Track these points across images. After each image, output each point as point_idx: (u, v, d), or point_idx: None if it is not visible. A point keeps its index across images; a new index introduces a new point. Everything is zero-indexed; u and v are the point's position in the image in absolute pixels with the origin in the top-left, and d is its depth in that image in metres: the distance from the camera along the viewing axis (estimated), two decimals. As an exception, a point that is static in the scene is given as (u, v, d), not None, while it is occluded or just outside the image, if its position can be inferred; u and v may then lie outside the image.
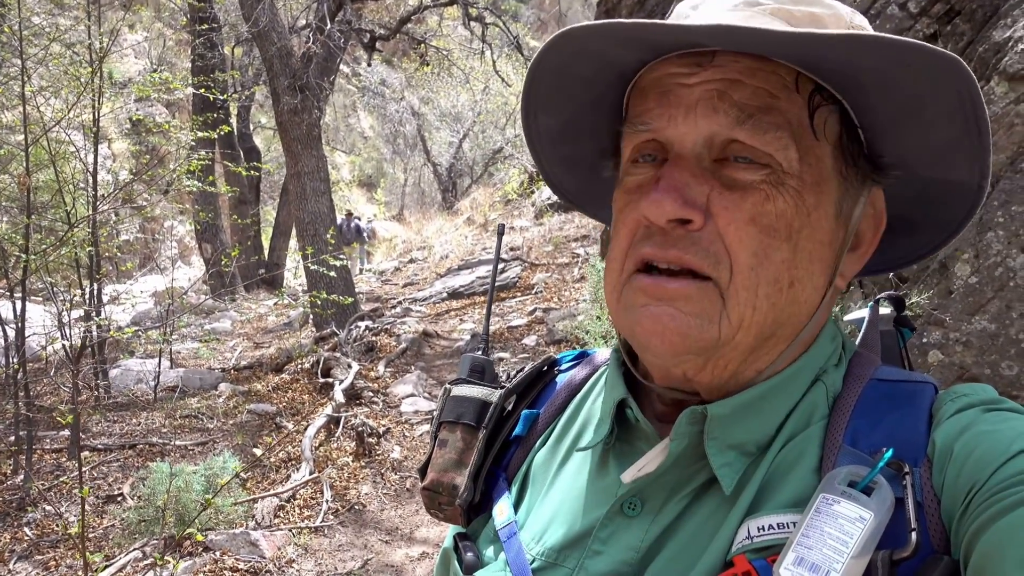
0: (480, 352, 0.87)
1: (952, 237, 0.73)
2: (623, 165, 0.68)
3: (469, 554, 0.73)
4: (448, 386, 0.84)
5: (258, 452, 5.66)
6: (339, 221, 15.70)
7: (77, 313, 6.10)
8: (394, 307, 10.52)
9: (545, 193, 15.09)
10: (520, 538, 0.71)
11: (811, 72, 0.60)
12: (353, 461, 5.60)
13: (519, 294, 10.36)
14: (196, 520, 2.47)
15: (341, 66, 13.23)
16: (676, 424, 0.64)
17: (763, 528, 0.58)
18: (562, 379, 0.85)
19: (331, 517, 4.87)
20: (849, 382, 0.66)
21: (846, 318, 0.83)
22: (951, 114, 0.59)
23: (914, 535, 0.52)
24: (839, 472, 0.57)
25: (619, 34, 0.62)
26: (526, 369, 0.85)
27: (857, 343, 0.75)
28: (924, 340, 4.17)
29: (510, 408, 0.82)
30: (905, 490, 0.55)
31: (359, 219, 18.05)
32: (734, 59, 0.60)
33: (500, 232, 0.96)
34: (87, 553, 1.93)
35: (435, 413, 0.83)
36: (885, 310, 0.82)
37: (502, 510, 0.74)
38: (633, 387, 0.72)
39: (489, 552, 0.73)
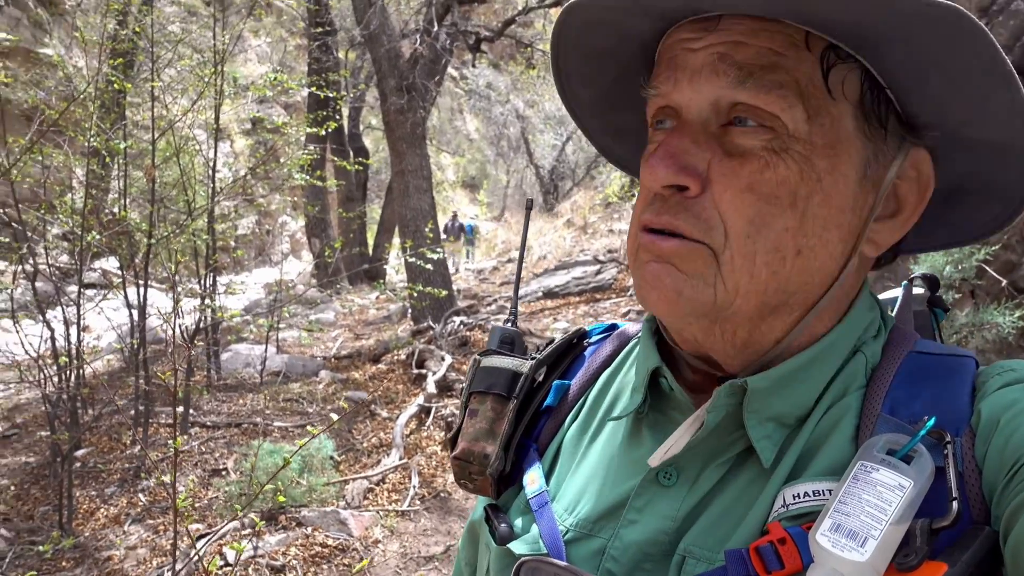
0: (510, 324, 0.87)
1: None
2: (649, 132, 0.68)
3: (503, 525, 0.72)
4: (478, 357, 0.83)
5: (351, 437, 5.88)
6: (446, 222, 16.11)
7: (195, 301, 6.52)
8: (490, 304, 10.67)
9: (646, 196, 14.89)
10: (552, 509, 0.70)
11: (820, 30, 0.58)
12: (441, 450, 5.73)
13: (614, 295, 10.30)
14: (275, 478, 2.60)
15: (449, 69, 13.56)
16: (715, 397, 0.63)
17: (799, 496, 0.57)
18: (592, 351, 0.84)
19: (417, 502, 5.01)
20: (888, 353, 0.65)
21: (879, 297, 0.80)
22: (970, 68, 0.55)
23: (955, 504, 0.51)
24: (878, 440, 0.56)
25: (623, 2, 0.63)
26: (556, 341, 0.85)
27: None
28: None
29: (540, 379, 0.81)
30: (946, 459, 0.54)
31: (471, 219, 18.59)
32: (738, 22, 0.59)
33: (528, 207, 0.96)
34: (178, 500, 2.09)
35: (465, 384, 0.82)
36: (919, 290, 0.79)
37: (533, 479, 0.74)
38: (667, 357, 0.71)
39: (520, 523, 0.72)
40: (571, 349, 0.85)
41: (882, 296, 0.79)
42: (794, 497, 0.58)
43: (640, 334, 0.75)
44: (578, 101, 0.77)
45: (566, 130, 21.82)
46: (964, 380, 0.61)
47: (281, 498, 2.33)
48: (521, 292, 11.29)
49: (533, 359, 0.81)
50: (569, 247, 14.82)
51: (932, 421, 0.55)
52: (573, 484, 0.72)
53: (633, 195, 16.05)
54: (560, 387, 0.81)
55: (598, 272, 11.17)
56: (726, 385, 0.63)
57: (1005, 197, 0.66)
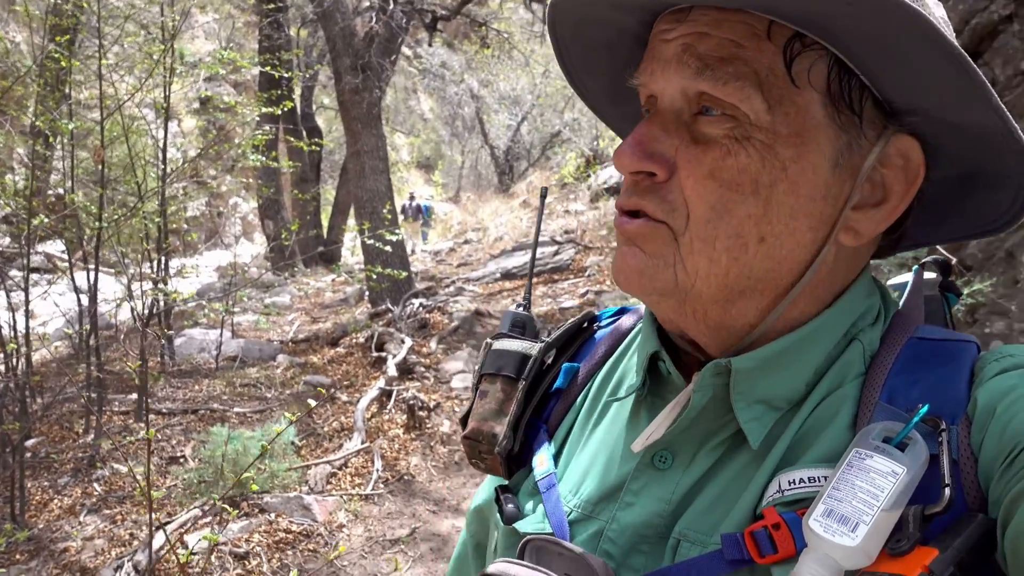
0: (522, 308, 0.88)
1: None
2: None
3: (510, 505, 0.74)
4: (489, 340, 0.85)
5: (312, 421, 5.83)
6: (403, 203, 15.95)
7: (147, 286, 6.36)
8: (448, 286, 10.64)
9: (601, 177, 15.00)
10: (559, 490, 0.72)
11: (782, 19, 0.58)
12: (404, 433, 5.72)
13: (572, 276, 10.36)
14: (251, 466, 2.57)
15: (404, 48, 13.35)
16: (700, 376, 0.64)
17: (794, 482, 0.58)
18: (601, 334, 0.86)
19: (381, 486, 5.00)
20: (888, 340, 0.65)
21: (889, 283, 0.80)
22: (921, 51, 0.55)
23: (948, 491, 0.52)
24: (873, 427, 0.56)
25: None
26: (566, 324, 0.86)
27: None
28: (987, 330, 4.05)
29: (550, 362, 0.82)
30: (941, 447, 0.54)
31: (426, 200, 18.50)
32: (704, 13, 0.60)
33: (543, 195, 0.95)
34: (139, 489, 2.04)
35: (476, 366, 0.84)
36: (930, 275, 0.79)
37: (542, 461, 0.75)
38: (667, 343, 0.72)
39: (529, 504, 0.74)
40: (580, 333, 0.86)
41: (892, 282, 0.79)
42: (790, 483, 0.58)
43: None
44: (590, 92, 0.79)
45: (521, 110, 21.75)
46: (963, 366, 0.61)
47: (254, 487, 2.30)
48: (478, 274, 11.29)
49: (543, 342, 0.82)
50: (526, 228, 14.84)
51: (925, 408, 0.55)
52: (578, 465, 0.74)
53: (588, 175, 16.13)
54: (569, 370, 0.82)
55: (556, 253, 11.21)
56: (711, 364, 0.64)
57: (1010, 185, 0.64)
